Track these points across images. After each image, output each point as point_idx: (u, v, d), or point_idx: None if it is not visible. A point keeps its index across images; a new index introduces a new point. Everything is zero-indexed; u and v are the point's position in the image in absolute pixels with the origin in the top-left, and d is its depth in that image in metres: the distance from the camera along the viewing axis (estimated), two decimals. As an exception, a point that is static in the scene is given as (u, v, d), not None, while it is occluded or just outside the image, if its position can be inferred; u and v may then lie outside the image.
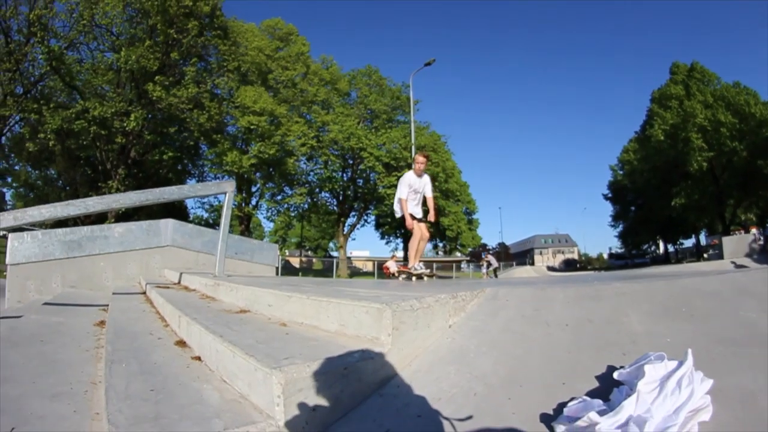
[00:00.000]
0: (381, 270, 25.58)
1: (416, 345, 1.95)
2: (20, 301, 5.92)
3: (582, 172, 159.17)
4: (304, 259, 51.44)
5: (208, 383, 1.78)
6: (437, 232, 39.18)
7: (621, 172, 50.47)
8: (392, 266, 21.27)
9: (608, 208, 57.30)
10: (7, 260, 6.18)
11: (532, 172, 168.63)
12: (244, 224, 29.63)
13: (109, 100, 23.35)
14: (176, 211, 26.24)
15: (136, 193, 4.43)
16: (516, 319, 2.21)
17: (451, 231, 38.89)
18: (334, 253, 53.00)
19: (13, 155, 33.03)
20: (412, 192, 6.32)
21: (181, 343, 2.39)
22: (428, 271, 6.64)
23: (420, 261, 6.51)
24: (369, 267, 46.05)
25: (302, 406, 1.44)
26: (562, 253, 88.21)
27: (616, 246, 66.90)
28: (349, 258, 37.75)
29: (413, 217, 6.31)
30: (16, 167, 35.11)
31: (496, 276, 25.25)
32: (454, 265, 38.80)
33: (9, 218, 3.99)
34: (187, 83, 24.64)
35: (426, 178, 6.49)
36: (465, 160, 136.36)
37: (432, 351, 1.98)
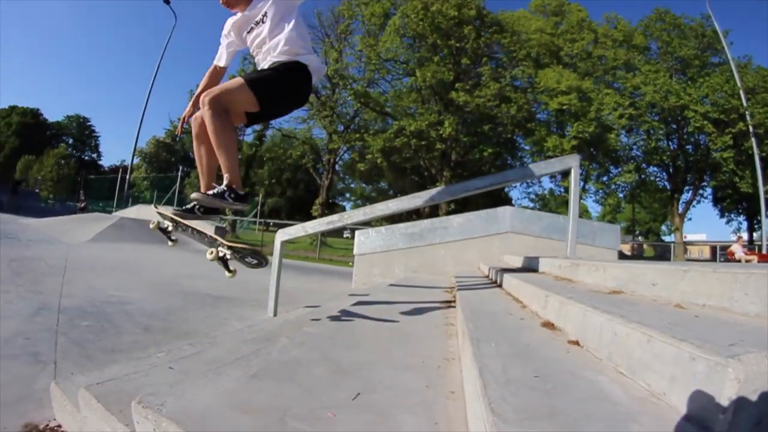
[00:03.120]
0: (725, 256, 21.29)
1: None
2: (365, 283, 7.38)
3: None
4: (634, 245, 46.71)
5: (602, 374, 1.41)
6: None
7: None
8: (738, 251, 17.14)
9: None
10: (355, 251, 7.93)
11: None
12: (574, 209, 29.27)
13: (420, 116, 27.44)
14: (501, 203, 27.57)
15: (480, 179, 4.56)
16: None
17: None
18: (666, 238, 47.10)
19: (347, 176, 44.19)
20: (240, 39, 3.11)
21: (549, 325, 2.12)
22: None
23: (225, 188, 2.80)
24: (705, 253, 38.26)
25: (750, 414, 0.98)
26: None
27: None
28: (683, 242, 32.28)
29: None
30: (352, 185, 45.79)
31: None
32: None
33: (359, 214, 4.61)
34: (486, 82, 26.71)
35: None
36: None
37: None
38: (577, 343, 1.80)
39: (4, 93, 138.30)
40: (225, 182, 2.80)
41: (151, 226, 3.29)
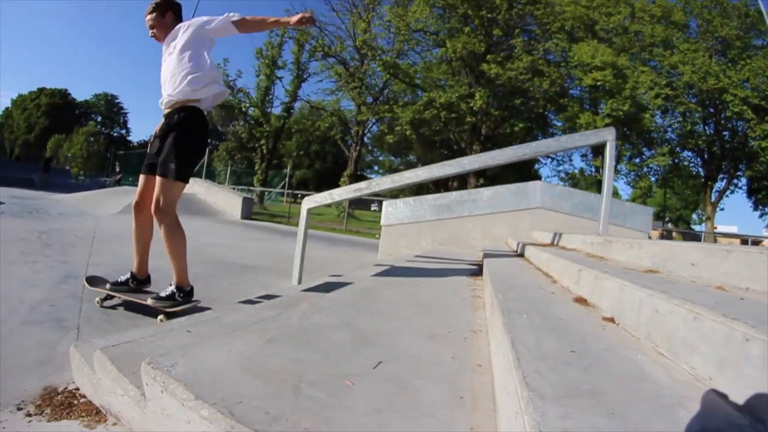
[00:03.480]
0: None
1: None
2: (391, 254, 7.47)
3: None
4: (663, 232, 45.45)
5: (641, 353, 1.31)
6: None
7: None
8: (771, 246, 16.15)
9: None
10: (382, 222, 7.91)
11: None
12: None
13: (450, 88, 27.17)
14: (530, 179, 27.18)
15: (513, 148, 4.43)
16: None
17: None
18: (696, 227, 46.07)
19: (375, 149, 44.69)
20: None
21: (582, 301, 2.02)
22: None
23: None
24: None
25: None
26: None
27: None
28: (714, 233, 31.03)
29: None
30: (381, 158, 46.05)
31: None
32: None
33: (387, 181, 4.51)
34: (518, 55, 26.03)
35: (179, 29, 3.10)
36: None
37: None
38: (612, 320, 1.71)
39: (32, 77, 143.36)
40: (174, 284, 3.11)
41: (97, 305, 3.54)
